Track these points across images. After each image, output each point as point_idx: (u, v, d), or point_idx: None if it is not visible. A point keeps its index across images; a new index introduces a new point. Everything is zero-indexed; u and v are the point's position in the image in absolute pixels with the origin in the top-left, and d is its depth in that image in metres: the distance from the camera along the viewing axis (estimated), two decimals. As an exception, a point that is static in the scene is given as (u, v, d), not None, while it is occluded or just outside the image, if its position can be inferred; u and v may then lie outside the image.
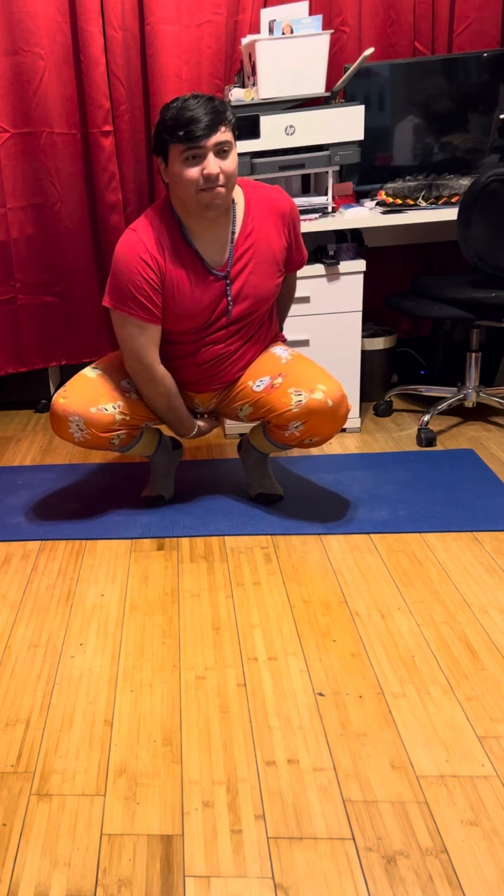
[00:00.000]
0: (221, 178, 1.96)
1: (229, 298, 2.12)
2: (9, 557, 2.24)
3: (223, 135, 1.94)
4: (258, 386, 2.21)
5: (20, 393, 3.48)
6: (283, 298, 2.37)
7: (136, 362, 2.16)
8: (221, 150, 1.95)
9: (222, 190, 1.98)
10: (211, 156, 1.94)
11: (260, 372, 2.23)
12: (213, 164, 1.94)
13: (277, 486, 2.44)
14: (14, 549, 2.29)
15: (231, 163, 1.98)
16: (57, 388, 3.64)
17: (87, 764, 1.45)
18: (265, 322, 2.27)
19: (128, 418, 2.22)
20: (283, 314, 2.43)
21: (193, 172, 1.96)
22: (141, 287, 2.06)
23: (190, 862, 1.23)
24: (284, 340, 2.39)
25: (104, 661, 1.74)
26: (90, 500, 2.53)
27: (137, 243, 2.07)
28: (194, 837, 1.27)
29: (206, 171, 1.94)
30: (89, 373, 2.26)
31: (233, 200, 2.09)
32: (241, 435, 2.72)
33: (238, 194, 2.12)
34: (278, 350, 2.28)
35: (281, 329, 2.44)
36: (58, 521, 2.42)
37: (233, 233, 2.10)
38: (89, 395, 2.19)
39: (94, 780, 1.41)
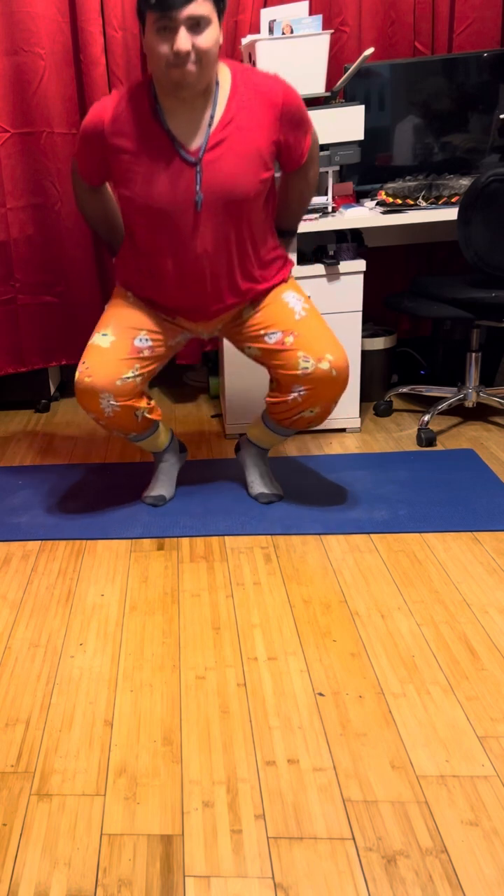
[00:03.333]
0: (193, 55, 1.82)
1: (198, 188, 1.98)
2: (9, 557, 2.24)
3: (199, 7, 1.77)
4: (270, 338, 2.18)
5: (20, 393, 3.48)
6: (290, 200, 2.22)
7: (74, 187, 2.26)
8: (195, 25, 1.79)
9: (193, 68, 1.83)
10: (182, 30, 1.79)
11: (273, 322, 2.17)
12: (183, 39, 1.79)
13: (277, 486, 2.45)
14: (14, 549, 2.29)
15: (207, 39, 1.81)
16: (57, 388, 3.65)
17: (87, 764, 1.45)
18: (254, 233, 2.11)
19: (144, 374, 2.23)
20: (294, 219, 2.29)
21: (163, 47, 1.83)
22: (83, 139, 2.08)
23: (190, 862, 1.23)
24: (287, 260, 2.26)
25: (104, 661, 1.74)
26: (90, 500, 2.53)
27: (98, 106, 2.03)
28: (194, 837, 1.27)
29: (175, 47, 1.80)
30: (102, 342, 2.19)
31: (217, 82, 1.95)
32: (240, 435, 2.72)
33: (224, 76, 1.97)
34: (292, 300, 2.19)
35: (296, 229, 2.34)
36: (58, 521, 2.42)
37: (211, 117, 1.96)
38: (112, 368, 2.17)
39: (94, 780, 1.41)
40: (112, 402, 2.19)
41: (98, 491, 2.60)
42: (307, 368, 2.11)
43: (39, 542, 2.32)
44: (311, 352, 2.11)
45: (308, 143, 2.07)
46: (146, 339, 2.20)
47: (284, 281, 2.24)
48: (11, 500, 2.59)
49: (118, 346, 2.18)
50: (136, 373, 2.19)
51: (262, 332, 2.19)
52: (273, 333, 2.17)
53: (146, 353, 2.21)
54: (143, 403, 2.25)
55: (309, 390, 2.15)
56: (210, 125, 1.96)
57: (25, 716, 1.59)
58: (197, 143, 1.97)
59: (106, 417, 2.23)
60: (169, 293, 2.18)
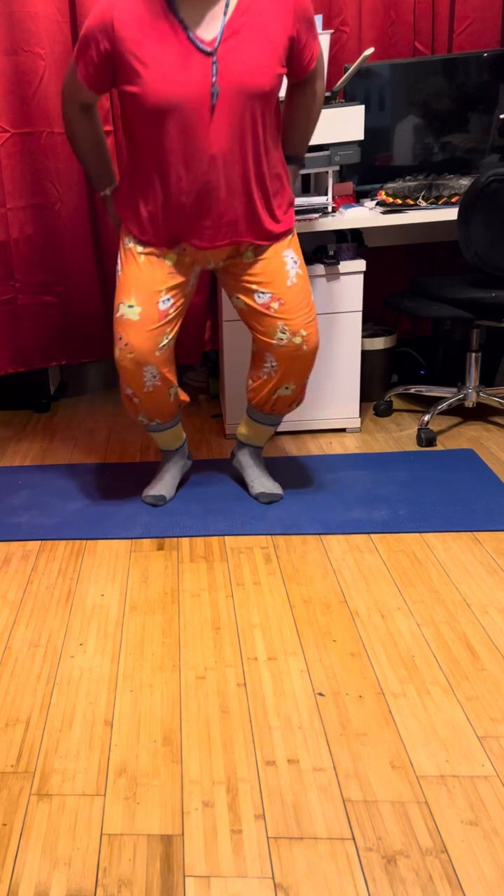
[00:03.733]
0: None
1: (214, 80, 1.93)
2: (9, 557, 2.24)
3: None
4: (259, 297, 2.21)
5: (20, 393, 3.48)
6: (297, 119, 2.19)
7: (66, 105, 2.18)
8: None
9: None
10: None
11: (267, 281, 2.19)
12: None
13: (277, 485, 2.45)
14: (14, 549, 2.29)
15: None
16: (57, 388, 3.65)
17: (87, 764, 1.45)
18: (266, 138, 2.06)
19: (174, 336, 2.26)
20: (301, 141, 2.25)
21: None
22: (88, 38, 1.98)
23: (190, 862, 1.23)
24: (292, 204, 2.23)
25: (104, 661, 1.74)
26: (90, 500, 2.53)
27: (103, 2, 1.95)
28: (194, 837, 1.27)
29: None
30: (131, 314, 2.18)
31: None
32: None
33: None
34: (290, 262, 2.20)
35: (302, 156, 2.29)
36: (58, 521, 2.42)
37: (226, 5, 1.93)
38: (150, 340, 2.20)
39: (94, 780, 1.41)
40: (154, 374, 2.24)
41: (98, 491, 2.60)
42: (282, 340, 2.20)
43: (39, 542, 2.32)
44: (290, 325, 2.20)
45: (317, 48, 2.06)
46: (168, 300, 2.20)
47: (290, 231, 2.22)
48: (11, 500, 2.59)
49: (147, 315, 2.18)
50: (169, 338, 2.23)
51: (254, 287, 2.21)
52: (263, 293, 2.20)
53: (171, 314, 2.22)
54: (174, 377, 2.31)
55: (280, 362, 2.25)
56: (225, 14, 1.92)
57: (25, 716, 1.59)
58: (212, 32, 1.93)
59: (144, 394, 2.28)
60: (181, 208, 2.09)
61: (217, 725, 1.52)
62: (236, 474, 2.61)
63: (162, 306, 2.20)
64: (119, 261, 2.26)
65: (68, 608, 1.97)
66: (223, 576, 2.05)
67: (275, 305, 2.20)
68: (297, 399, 2.36)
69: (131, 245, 2.20)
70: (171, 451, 2.52)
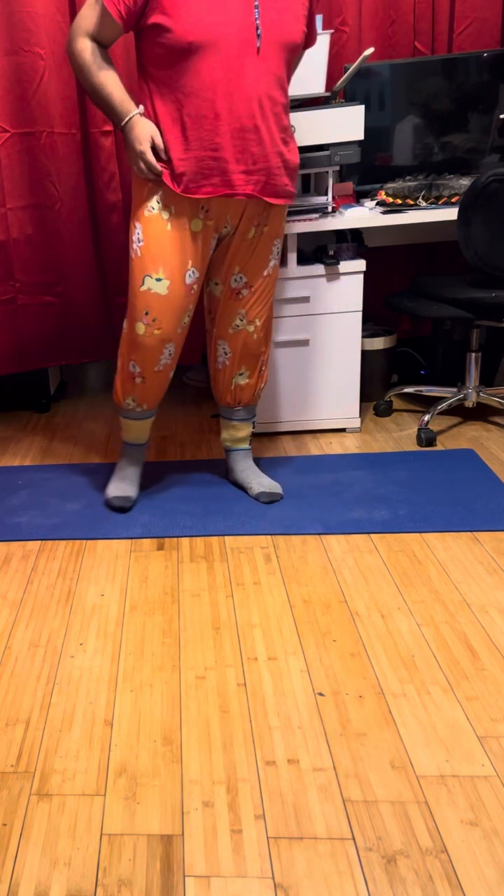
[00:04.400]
0: None
1: (258, 21, 1.95)
2: (9, 557, 2.24)
3: None
4: (235, 281, 2.26)
5: (20, 393, 3.48)
6: None
7: (78, 42, 2.06)
8: None
9: None
10: None
11: (249, 265, 2.24)
12: None
13: (276, 484, 2.45)
14: (14, 549, 2.29)
15: None
16: (57, 388, 3.65)
17: (87, 764, 1.45)
18: (286, 96, 2.10)
19: (192, 314, 2.29)
20: None
21: None
22: None
23: (190, 862, 1.23)
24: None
25: (104, 661, 1.74)
26: (90, 500, 2.53)
27: None
28: (194, 837, 1.27)
29: None
30: (160, 289, 2.15)
31: None
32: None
33: None
34: (274, 251, 2.26)
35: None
36: (58, 521, 2.42)
37: None
38: (176, 317, 2.22)
39: (94, 780, 1.41)
40: (171, 353, 2.28)
41: (98, 491, 2.60)
42: (238, 327, 2.31)
43: (39, 542, 2.32)
44: (249, 313, 2.30)
45: (315, 37, 2.19)
46: (193, 272, 2.19)
47: (292, 198, 2.22)
48: (11, 500, 2.59)
49: (175, 290, 2.17)
50: (189, 316, 2.26)
51: (236, 269, 2.25)
52: (241, 277, 2.26)
53: (195, 289, 2.23)
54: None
55: (232, 348, 2.35)
56: None
57: (25, 716, 1.59)
58: None
59: (153, 373, 2.30)
60: (218, 150, 2.03)
61: (217, 725, 1.52)
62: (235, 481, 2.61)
63: (188, 280, 2.18)
64: (137, 230, 2.17)
65: (68, 608, 1.97)
66: (223, 576, 2.05)
67: (244, 293, 2.28)
68: (256, 386, 2.45)
69: (156, 211, 2.12)
70: (136, 447, 2.50)
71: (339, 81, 2.73)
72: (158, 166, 2.06)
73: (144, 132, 2.06)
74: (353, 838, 1.25)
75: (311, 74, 2.62)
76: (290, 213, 2.70)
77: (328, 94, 2.70)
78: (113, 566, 2.15)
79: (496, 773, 1.35)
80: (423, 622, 1.79)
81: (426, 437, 2.76)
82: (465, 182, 2.71)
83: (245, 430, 2.51)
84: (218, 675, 1.66)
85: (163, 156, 2.08)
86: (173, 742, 1.48)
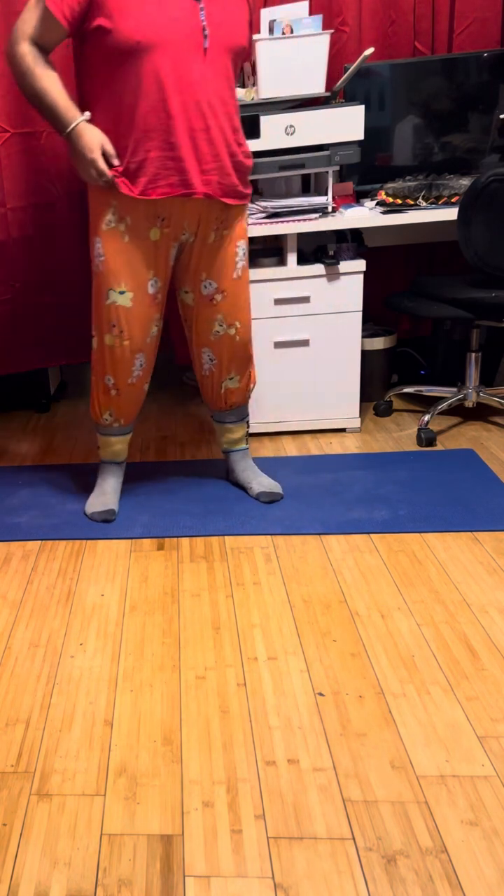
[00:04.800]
0: None
1: (204, 23, 1.96)
2: (9, 557, 2.24)
3: None
4: (205, 288, 2.26)
5: (20, 393, 3.48)
6: None
7: (19, 46, 2.01)
8: None
9: None
10: None
11: (216, 271, 2.23)
12: None
13: (276, 484, 2.45)
14: (14, 549, 2.29)
15: None
16: (57, 388, 3.65)
17: (87, 764, 1.45)
18: (234, 98, 2.10)
19: (160, 324, 2.31)
20: None
21: None
22: None
23: (190, 862, 1.23)
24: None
25: (104, 661, 1.74)
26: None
27: None
28: (194, 837, 1.27)
29: None
30: (123, 301, 2.18)
31: None
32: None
33: None
34: (240, 253, 2.25)
35: None
36: (58, 521, 2.42)
37: None
38: (143, 327, 2.24)
39: (94, 780, 1.41)
40: (142, 363, 2.30)
41: (98, 491, 2.60)
42: (219, 332, 2.31)
43: (39, 542, 2.32)
44: (227, 317, 2.29)
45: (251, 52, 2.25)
46: (155, 282, 2.21)
47: (246, 207, 2.24)
48: (11, 500, 2.59)
49: (140, 301, 2.20)
50: (157, 325, 2.28)
51: (203, 276, 2.24)
52: (210, 283, 2.26)
53: (159, 298, 2.25)
54: (152, 369, 2.37)
55: (217, 355, 2.35)
56: None
57: (25, 716, 1.59)
58: None
59: (126, 385, 2.31)
60: (172, 150, 2.02)
61: (217, 725, 1.52)
62: (224, 476, 2.61)
63: (151, 290, 2.21)
64: (97, 245, 2.18)
65: (68, 608, 1.97)
66: (223, 576, 2.05)
67: (218, 298, 2.27)
68: (247, 387, 2.45)
69: (114, 225, 2.13)
70: (116, 464, 2.50)
71: (339, 81, 2.73)
72: (109, 173, 2.05)
73: (94, 139, 2.03)
74: (353, 838, 1.25)
75: (311, 74, 2.62)
76: (290, 213, 2.70)
77: (328, 94, 2.70)
78: (113, 566, 2.15)
79: (496, 773, 1.35)
80: (423, 622, 1.79)
81: (426, 437, 2.76)
82: (465, 182, 2.71)
83: (240, 431, 2.51)
84: (218, 675, 1.66)
85: (113, 162, 2.06)
86: (173, 742, 1.48)
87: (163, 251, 2.19)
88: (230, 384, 2.41)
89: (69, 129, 2.04)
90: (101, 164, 2.04)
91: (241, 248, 2.27)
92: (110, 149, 2.05)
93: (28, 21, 2.02)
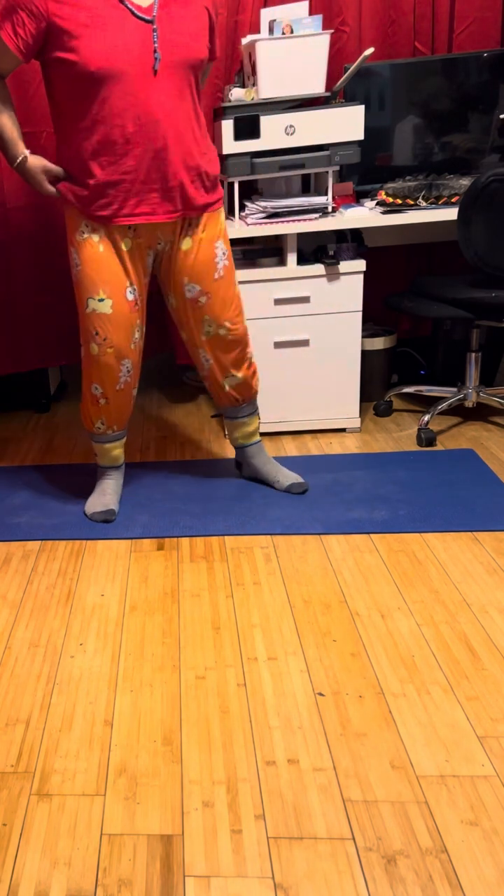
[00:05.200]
0: None
1: (156, 45, 2.00)
2: (9, 557, 2.24)
3: None
4: (189, 292, 2.27)
5: (20, 393, 3.48)
6: None
7: None
8: None
9: None
10: None
11: (196, 275, 2.24)
12: None
13: (296, 475, 2.49)
14: (14, 549, 2.29)
15: None
16: (57, 388, 3.65)
17: (87, 764, 1.45)
18: (197, 109, 2.14)
19: (143, 329, 2.33)
20: None
21: None
22: (21, 4, 1.97)
23: (190, 862, 1.23)
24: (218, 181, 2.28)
25: (104, 661, 1.74)
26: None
27: None
28: (194, 837, 1.27)
29: None
30: (104, 308, 2.21)
31: None
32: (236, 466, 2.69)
33: None
34: (220, 254, 2.26)
35: None
36: (58, 521, 2.42)
37: None
38: (125, 332, 2.25)
39: (94, 780, 1.41)
40: (129, 369, 2.31)
41: (98, 491, 2.60)
42: (209, 332, 2.32)
43: (39, 542, 2.32)
44: (215, 317, 2.29)
45: (216, 57, 2.24)
46: (133, 289, 2.23)
47: (220, 209, 2.25)
48: (11, 500, 2.59)
49: (119, 308, 2.22)
50: (141, 330, 2.29)
51: (185, 280, 2.25)
52: (193, 286, 2.26)
53: (138, 304, 2.26)
54: (139, 374, 2.39)
55: (212, 355, 2.36)
56: None
57: (25, 716, 1.59)
58: (147, 1, 2.01)
59: (115, 392, 2.32)
60: (131, 174, 2.09)
61: (217, 725, 1.52)
62: (237, 474, 2.61)
63: (129, 297, 2.23)
64: (73, 255, 2.24)
65: (68, 608, 1.97)
66: (223, 576, 2.05)
67: (203, 300, 2.28)
68: (251, 380, 2.44)
69: (87, 235, 2.18)
70: (115, 467, 2.51)
71: (339, 81, 2.73)
72: (52, 188, 2.20)
73: (36, 167, 2.18)
74: (353, 838, 1.25)
75: (311, 74, 2.62)
76: (290, 213, 2.70)
77: (328, 94, 2.70)
78: (113, 566, 2.15)
79: (496, 773, 1.35)
80: (423, 622, 1.79)
81: (426, 437, 2.76)
82: (465, 182, 2.71)
83: (254, 424, 2.53)
84: (218, 675, 1.66)
85: (61, 175, 2.19)
86: (173, 742, 1.48)
87: (137, 259, 2.22)
88: (232, 380, 2.41)
89: (16, 164, 2.20)
90: (47, 187, 2.20)
91: (220, 248, 2.27)
92: (53, 167, 2.19)
93: None
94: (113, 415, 2.38)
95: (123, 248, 2.18)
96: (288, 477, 2.48)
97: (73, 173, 2.16)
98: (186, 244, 2.22)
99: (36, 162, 2.18)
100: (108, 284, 2.20)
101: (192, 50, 2.06)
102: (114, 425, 2.40)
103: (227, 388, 2.43)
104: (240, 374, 2.41)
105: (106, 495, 2.45)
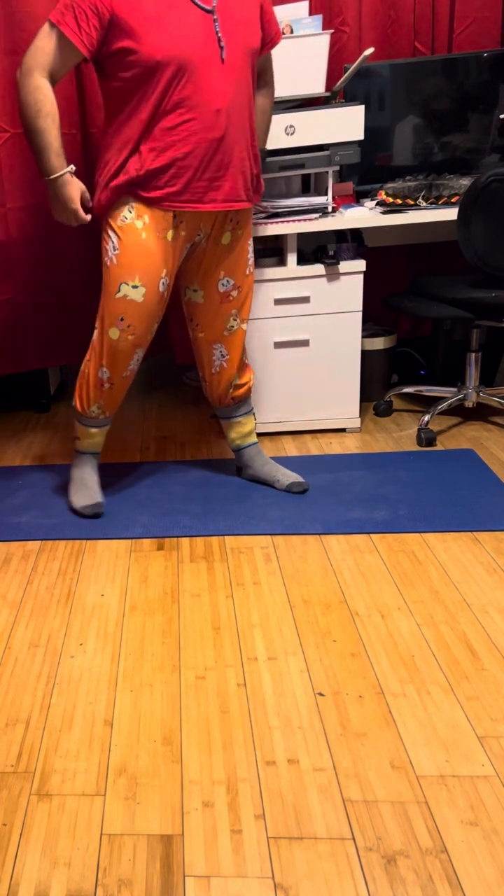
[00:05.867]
0: None
1: (219, 35, 2.01)
2: (9, 557, 2.24)
3: None
4: (223, 285, 2.31)
5: (20, 393, 3.48)
6: (261, 108, 2.32)
7: (34, 78, 2.04)
8: None
9: None
10: None
11: (232, 269, 2.29)
12: None
13: (297, 475, 2.50)
14: (14, 549, 2.29)
15: None
16: (57, 388, 3.65)
17: (87, 764, 1.45)
18: (252, 100, 2.15)
19: (160, 321, 2.35)
20: (263, 129, 2.36)
21: None
22: (87, 2, 1.95)
23: (190, 862, 1.23)
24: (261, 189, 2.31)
25: (104, 661, 1.74)
26: (90, 500, 2.53)
27: None
28: (194, 837, 1.27)
29: None
30: (136, 295, 2.19)
31: None
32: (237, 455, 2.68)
33: None
34: (250, 251, 2.33)
35: (264, 144, 2.40)
36: (58, 521, 2.42)
37: None
38: (149, 324, 2.26)
39: (94, 780, 1.41)
40: (139, 358, 2.33)
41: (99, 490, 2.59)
42: (233, 327, 2.37)
43: (39, 542, 2.32)
44: (241, 311, 2.37)
45: (279, 32, 2.22)
46: (165, 281, 2.22)
47: (259, 197, 2.29)
48: (11, 500, 2.59)
49: (150, 297, 2.21)
50: (158, 321, 2.30)
51: (221, 273, 2.29)
52: (228, 280, 2.31)
53: (165, 296, 2.26)
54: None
55: (229, 349, 2.39)
56: None
57: (25, 716, 1.59)
58: None
59: (121, 379, 2.34)
60: (192, 161, 2.07)
61: (217, 725, 1.52)
62: (236, 474, 2.61)
63: (161, 289, 2.23)
64: (112, 239, 2.19)
65: (68, 608, 1.97)
66: (223, 576, 2.05)
67: (234, 294, 2.33)
68: (248, 380, 2.49)
69: (130, 220, 2.15)
70: (93, 455, 2.52)
71: (339, 81, 2.73)
72: (86, 216, 2.18)
73: (76, 190, 2.14)
74: (353, 838, 1.25)
75: (311, 74, 2.62)
76: (290, 213, 2.70)
77: (328, 94, 2.70)
78: (113, 566, 2.15)
79: (496, 773, 1.35)
80: (423, 622, 1.79)
81: (426, 437, 2.76)
82: (465, 182, 2.71)
83: (251, 423, 2.54)
84: (218, 675, 1.66)
85: (88, 205, 2.20)
86: (173, 742, 1.48)
87: (177, 251, 2.22)
88: (238, 378, 2.46)
89: (55, 176, 2.12)
90: (82, 215, 2.17)
91: (251, 245, 2.34)
92: (87, 197, 2.19)
93: (43, 49, 2.04)
94: (112, 400, 2.39)
95: (168, 237, 2.17)
96: (288, 476, 2.49)
97: (121, 163, 2.11)
98: (226, 238, 2.24)
99: (77, 184, 2.14)
100: (146, 272, 2.18)
101: (251, 38, 2.07)
102: (107, 410, 2.42)
103: (231, 385, 2.45)
104: (245, 371, 2.47)
105: (89, 487, 2.47)
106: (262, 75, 2.28)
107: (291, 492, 2.45)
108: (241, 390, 2.48)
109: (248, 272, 2.34)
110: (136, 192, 2.12)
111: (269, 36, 2.17)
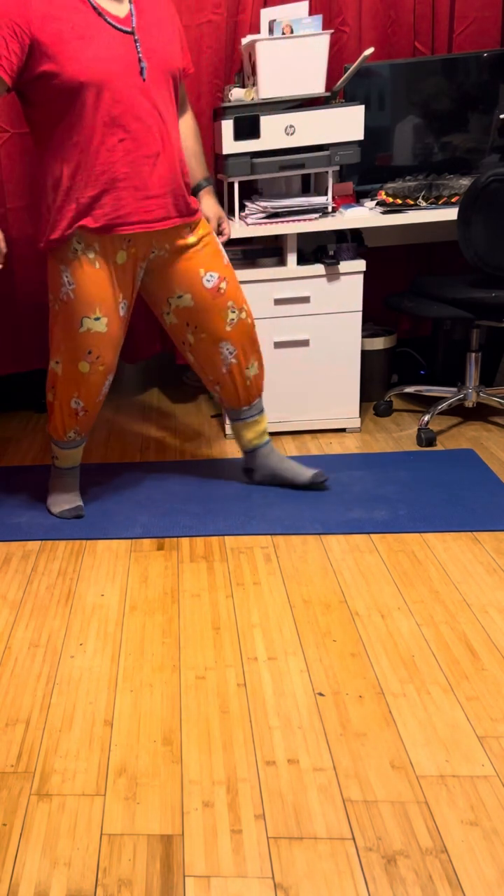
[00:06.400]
0: None
1: (140, 55, 2.02)
2: (9, 557, 2.24)
3: None
4: (208, 282, 2.26)
5: (20, 393, 3.48)
6: (192, 131, 2.34)
7: None
8: None
9: None
10: None
11: (211, 264, 2.26)
12: None
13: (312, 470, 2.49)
14: (14, 549, 2.29)
15: None
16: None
17: (87, 764, 1.45)
18: (176, 119, 2.16)
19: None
20: (198, 158, 2.36)
21: None
22: (1, 24, 1.93)
23: (190, 862, 1.23)
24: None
25: (104, 661, 1.74)
26: (90, 500, 2.53)
27: None
28: (194, 837, 1.27)
29: None
30: (99, 327, 2.18)
31: None
32: (245, 470, 2.63)
33: None
34: (220, 244, 2.33)
35: (209, 180, 2.40)
36: (58, 521, 2.42)
37: None
38: (115, 351, 2.27)
39: (94, 780, 1.41)
40: (108, 383, 2.33)
41: (98, 491, 2.60)
42: (233, 320, 2.31)
43: (39, 542, 2.32)
44: (236, 301, 2.31)
45: (191, 65, 2.26)
46: (124, 304, 2.24)
47: (198, 214, 2.26)
48: (11, 500, 2.59)
49: (113, 325, 2.22)
50: (121, 344, 2.30)
51: (202, 272, 2.25)
52: (212, 275, 2.26)
53: (126, 317, 2.28)
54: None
55: (236, 344, 2.34)
56: None
57: (25, 716, 1.59)
58: (122, 12, 2.03)
59: (95, 404, 2.33)
60: (126, 181, 2.07)
61: (217, 725, 1.52)
62: (237, 474, 2.61)
63: (121, 312, 2.24)
64: (64, 276, 2.16)
65: (68, 608, 1.97)
66: (223, 576, 2.05)
67: (223, 286, 2.29)
68: (262, 372, 2.45)
69: (80, 254, 2.13)
70: (75, 467, 2.50)
71: (339, 81, 2.73)
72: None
73: None
74: (353, 838, 1.25)
75: (310, 74, 2.62)
76: (290, 213, 2.70)
77: (328, 94, 2.70)
78: (113, 566, 2.15)
79: (496, 773, 1.35)
80: (423, 622, 1.79)
81: (426, 437, 2.76)
82: (465, 182, 2.71)
83: (265, 421, 2.51)
84: (218, 675, 1.66)
85: (3, 252, 2.10)
86: (173, 742, 1.48)
87: (129, 273, 2.22)
88: (251, 371, 2.41)
89: None
90: None
91: (217, 238, 2.33)
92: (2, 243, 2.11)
93: None
94: (87, 423, 2.38)
95: (118, 261, 2.17)
96: (306, 469, 2.47)
97: (61, 194, 2.09)
98: (192, 239, 2.23)
99: None
100: (104, 302, 2.17)
101: (172, 59, 2.10)
102: (83, 432, 2.41)
103: (247, 381, 2.41)
104: (257, 363, 2.41)
105: (69, 492, 2.47)
106: (184, 101, 2.32)
107: (316, 481, 2.42)
108: (259, 382, 2.43)
109: (225, 262, 2.30)
110: (82, 223, 2.09)
111: (184, 65, 2.20)
